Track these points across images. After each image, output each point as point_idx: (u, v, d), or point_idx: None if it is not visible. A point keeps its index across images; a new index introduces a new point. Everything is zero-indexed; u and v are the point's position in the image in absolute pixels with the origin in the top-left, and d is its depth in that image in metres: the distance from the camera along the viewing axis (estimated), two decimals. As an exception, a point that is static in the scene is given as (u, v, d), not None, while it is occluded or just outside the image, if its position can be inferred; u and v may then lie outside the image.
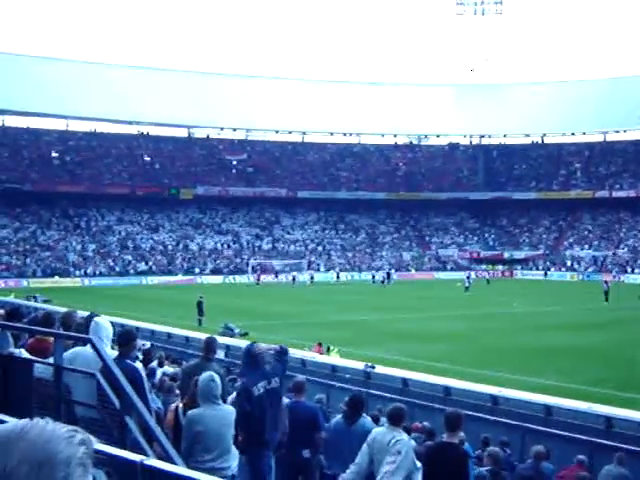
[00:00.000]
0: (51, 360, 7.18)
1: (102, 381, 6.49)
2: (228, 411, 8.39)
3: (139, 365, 9.00)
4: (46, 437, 1.80)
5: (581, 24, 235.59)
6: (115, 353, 8.09)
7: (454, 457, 7.70)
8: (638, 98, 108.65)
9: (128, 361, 7.96)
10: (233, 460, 8.37)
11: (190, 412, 8.51)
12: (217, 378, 8.45)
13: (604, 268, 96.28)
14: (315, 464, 9.84)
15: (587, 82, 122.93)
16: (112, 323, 8.98)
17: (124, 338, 8.32)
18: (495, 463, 11.40)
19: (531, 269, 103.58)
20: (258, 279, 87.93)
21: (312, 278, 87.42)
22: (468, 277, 78.02)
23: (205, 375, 8.44)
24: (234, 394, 10.24)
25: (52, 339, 7.82)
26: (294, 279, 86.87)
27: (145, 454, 5.63)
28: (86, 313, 11.10)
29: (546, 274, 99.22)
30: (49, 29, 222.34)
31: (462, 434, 10.41)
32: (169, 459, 5.75)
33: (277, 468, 8.82)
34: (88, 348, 7.19)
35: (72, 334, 8.08)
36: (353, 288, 78.99)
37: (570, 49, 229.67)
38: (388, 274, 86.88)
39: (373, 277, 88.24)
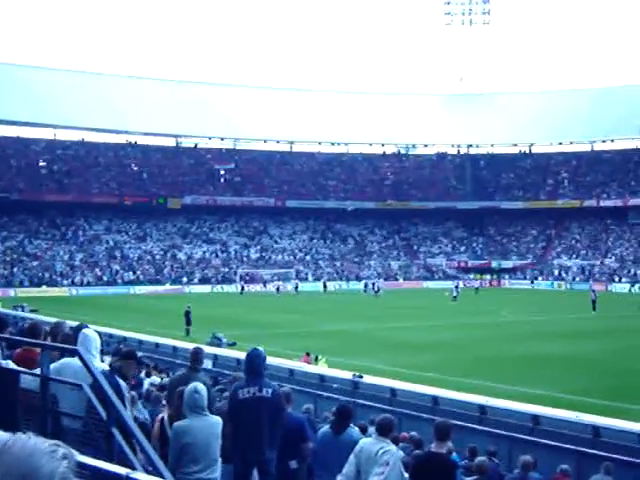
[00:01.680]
0: (38, 371, 7.15)
1: (89, 392, 6.47)
2: (215, 422, 8.37)
3: (123, 382, 8.98)
4: (29, 451, 1.80)
5: (569, 34, 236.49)
6: (103, 365, 8.07)
7: (442, 467, 7.70)
8: (625, 108, 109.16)
9: (114, 376, 7.95)
10: (219, 472, 8.37)
11: (177, 424, 8.49)
12: (202, 389, 8.43)
13: (591, 277, 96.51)
14: (302, 475, 9.80)
15: (575, 92, 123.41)
16: (100, 333, 8.95)
17: (127, 355, 8.35)
18: (482, 473, 11.39)
19: (519, 278, 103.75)
20: (242, 289, 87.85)
21: (297, 288, 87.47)
22: (456, 286, 77.95)
23: (189, 387, 8.43)
24: (222, 402, 10.24)
25: (39, 350, 7.80)
26: (278, 289, 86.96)
27: (132, 466, 5.62)
28: (74, 323, 11.08)
29: (532, 282, 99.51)
30: (37, 38, 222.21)
31: (450, 444, 10.42)
32: (156, 471, 5.74)
33: (262, 475, 8.77)
34: (76, 359, 7.17)
35: (59, 345, 8.05)
36: (341, 297, 78.95)
37: (558, 59, 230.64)
38: (373, 284, 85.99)
39: (366, 286, 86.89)
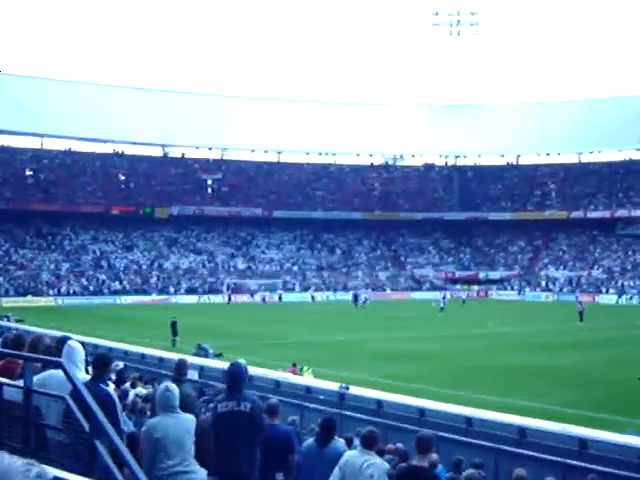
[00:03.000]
0: (21, 383, 7.10)
1: (72, 404, 6.42)
2: (186, 419, 8.36)
3: (111, 388, 8.93)
4: (2, 470, 1.77)
5: (556, 46, 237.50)
6: (88, 377, 8.02)
7: (423, 480, 7.68)
8: (612, 120, 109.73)
9: (101, 385, 7.90)
10: (197, 466, 8.34)
11: (148, 421, 8.59)
12: (174, 388, 8.43)
13: (579, 288, 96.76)
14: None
15: (562, 103, 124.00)
16: (85, 343, 8.90)
17: (100, 361, 8.26)
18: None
19: (506, 289, 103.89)
20: (229, 299, 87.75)
21: (280, 298, 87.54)
22: (443, 297, 78.03)
23: (161, 386, 8.47)
24: (207, 414, 10.20)
25: (21, 361, 7.75)
26: (264, 299, 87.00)
27: (115, 479, 5.57)
28: (58, 333, 11.01)
29: (520, 292, 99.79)
30: (24, 47, 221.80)
31: (435, 456, 10.39)
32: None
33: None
34: (60, 371, 7.12)
35: (43, 357, 8.00)
36: (328, 308, 78.89)
37: (545, 70, 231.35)
38: (356, 296, 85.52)
39: (355, 298, 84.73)
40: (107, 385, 8.40)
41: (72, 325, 46.05)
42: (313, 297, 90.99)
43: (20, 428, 6.80)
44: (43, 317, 54.74)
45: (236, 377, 8.92)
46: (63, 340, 8.74)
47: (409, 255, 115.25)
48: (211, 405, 9.36)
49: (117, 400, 8.18)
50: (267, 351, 39.52)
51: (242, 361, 9.36)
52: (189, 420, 8.36)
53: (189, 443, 8.23)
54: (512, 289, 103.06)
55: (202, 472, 8.46)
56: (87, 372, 8.36)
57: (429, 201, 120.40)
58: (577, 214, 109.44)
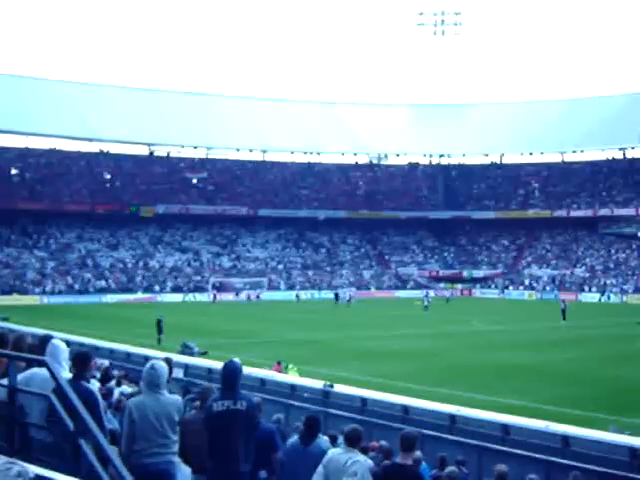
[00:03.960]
0: (5, 381, 7.11)
1: (56, 403, 6.44)
2: (170, 401, 8.36)
3: (95, 386, 8.93)
4: (-17, 470, 1.80)
5: (540, 46, 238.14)
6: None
7: (406, 478, 7.71)
8: (595, 119, 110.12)
9: (83, 382, 7.90)
10: (176, 449, 8.39)
11: (130, 400, 8.65)
12: (160, 367, 8.45)
13: (562, 287, 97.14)
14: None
15: (545, 103, 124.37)
16: (70, 342, 8.92)
17: (79, 359, 8.25)
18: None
19: (490, 288, 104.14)
20: (214, 298, 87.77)
21: (258, 297, 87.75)
22: (426, 296, 78.14)
23: (148, 364, 8.49)
24: (192, 412, 10.22)
25: (5, 360, 7.75)
26: (249, 297, 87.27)
27: (99, 477, 5.60)
28: (42, 332, 11.01)
29: (503, 291, 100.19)
30: (8, 46, 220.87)
31: (419, 453, 10.45)
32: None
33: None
34: (44, 370, 7.12)
35: (27, 356, 7.99)
36: (313, 306, 78.91)
37: (528, 70, 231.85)
38: (336, 295, 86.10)
39: (338, 296, 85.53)
40: (89, 383, 8.40)
41: (57, 323, 45.97)
42: (298, 296, 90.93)
43: (4, 427, 6.81)
44: (28, 315, 54.59)
45: (232, 376, 8.92)
46: (46, 339, 8.74)
47: (393, 254, 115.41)
48: (197, 402, 9.37)
49: (100, 398, 8.19)
50: (252, 349, 39.52)
51: (237, 360, 9.35)
52: (171, 403, 8.37)
53: (168, 426, 8.25)
54: (496, 288, 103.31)
55: (183, 466, 8.50)
56: (71, 371, 8.35)
57: (413, 200, 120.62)
58: (560, 213, 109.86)
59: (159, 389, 8.32)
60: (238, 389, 8.87)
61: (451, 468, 12.32)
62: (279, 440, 10.17)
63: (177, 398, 8.58)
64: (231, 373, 8.93)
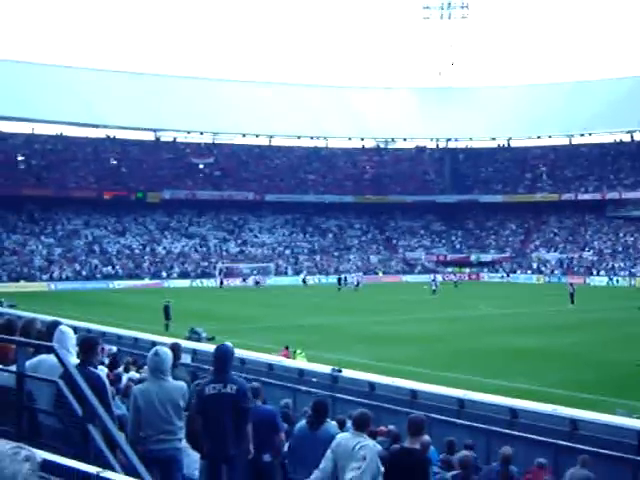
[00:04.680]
0: (13, 368, 7.11)
1: (64, 389, 6.45)
2: (174, 387, 8.39)
3: (103, 372, 8.95)
4: (-10, 454, 1.79)
5: (546, 28, 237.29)
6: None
7: (414, 463, 7.71)
8: (603, 102, 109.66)
9: (91, 368, 7.91)
10: (182, 435, 8.43)
11: (135, 387, 8.73)
12: (163, 352, 8.48)
13: (570, 270, 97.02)
14: (276, 468, 9.80)
15: (553, 85, 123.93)
16: (77, 328, 8.93)
17: (85, 345, 8.25)
18: (465, 468, 11.40)
19: (497, 272, 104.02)
20: (221, 283, 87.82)
21: (258, 283, 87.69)
22: (433, 280, 78.02)
23: (151, 350, 8.53)
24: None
25: (14, 346, 7.75)
26: (257, 283, 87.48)
27: (108, 463, 5.61)
28: (49, 318, 11.01)
29: (508, 275, 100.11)
30: (14, 32, 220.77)
31: (427, 438, 10.43)
32: (132, 467, 5.73)
33: (229, 472, 8.76)
34: (52, 356, 7.13)
35: (35, 342, 8.00)
36: (320, 291, 78.89)
37: (535, 53, 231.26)
38: (339, 279, 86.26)
39: (341, 280, 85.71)
40: (97, 369, 8.41)
41: (65, 310, 46.02)
42: (305, 280, 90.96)
43: (13, 413, 6.82)
44: (36, 302, 54.71)
45: (222, 359, 8.94)
46: (54, 325, 8.74)
47: (401, 238, 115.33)
48: (197, 387, 9.40)
49: (108, 383, 8.20)
50: (259, 334, 39.56)
51: (228, 343, 9.36)
52: (176, 389, 8.39)
53: (173, 413, 8.27)
54: (503, 272, 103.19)
55: (190, 451, 8.52)
56: (78, 357, 8.36)
57: (420, 184, 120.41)
58: (568, 196, 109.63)
59: (164, 375, 8.35)
60: (229, 372, 8.89)
61: (463, 452, 12.30)
62: (280, 421, 10.20)
63: (182, 384, 8.60)
64: (222, 356, 8.97)
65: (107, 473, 4.01)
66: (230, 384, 8.71)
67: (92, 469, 4.05)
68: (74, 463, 4.12)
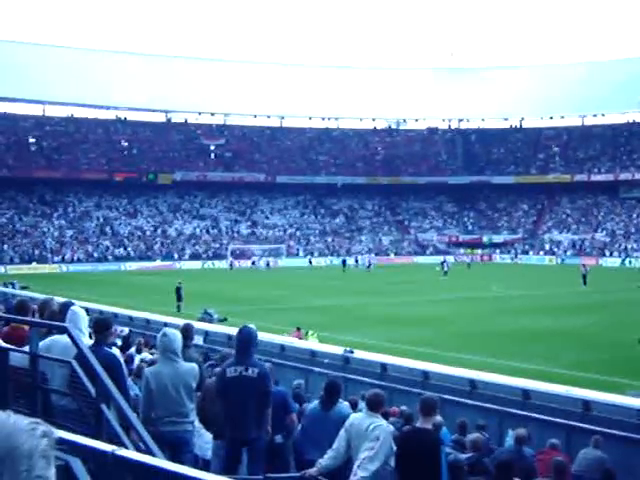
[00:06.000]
0: (27, 348, 7.13)
1: (78, 369, 6.45)
2: (185, 369, 8.41)
3: (117, 352, 8.96)
4: (8, 430, 1.78)
5: (560, 8, 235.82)
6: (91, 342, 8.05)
7: (426, 443, 7.69)
8: (615, 82, 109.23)
9: (105, 348, 7.93)
10: (194, 417, 8.47)
11: (147, 369, 8.74)
12: (172, 333, 8.51)
13: (582, 252, 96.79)
14: (288, 449, 9.81)
15: (565, 66, 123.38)
16: (90, 310, 8.94)
17: (100, 326, 8.27)
18: (477, 450, 11.39)
19: (509, 253, 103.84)
20: (232, 265, 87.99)
21: (268, 264, 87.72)
22: (444, 261, 77.85)
23: (160, 333, 8.55)
24: (213, 378, 10.24)
25: (27, 327, 7.77)
26: (268, 264, 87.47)
27: (121, 442, 5.61)
28: (62, 299, 11.02)
29: (516, 256, 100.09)
30: (25, 14, 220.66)
31: (439, 418, 10.43)
32: (146, 447, 5.73)
33: (250, 454, 8.77)
34: (65, 336, 7.14)
35: (48, 322, 8.01)
36: (331, 273, 78.90)
37: (549, 33, 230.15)
38: (344, 261, 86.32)
39: (345, 262, 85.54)
40: (111, 349, 8.43)
41: (77, 292, 46.17)
42: (311, 262, 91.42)
43: (26, 393, 6.84)
44: (48, 284, 54.82)
45: (246, 342, 8.89)
46: (66, 305, 8.76)
47: (412, 219, 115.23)
48: (217, 369, 9.38)
49: (122, 362, 8.23)
50: (271, 316, 39.59)
51: (252, 326, 9.31)
52: (187, 371, 8.40)
53: (184, 394, 8.29)
54: (516, 253, 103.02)
55: (203, 431, 8.52)
56: (90, 338, 8.38)
57: (432, 165, 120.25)
58: (580, 177, 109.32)
59: (174, 355, 8.35)
60: (252, 355, 8.84)
61: (475, 435, 12.28)
62: (292, 402, 10.19)
63: (193, 366, 8.60)
64: (245, 338, 8.91)
65: (122, 451, 4.00)
66: (252, 367, 8.68)
67: (107, 447, 4.05)
68: (89, 441, 4.13)
